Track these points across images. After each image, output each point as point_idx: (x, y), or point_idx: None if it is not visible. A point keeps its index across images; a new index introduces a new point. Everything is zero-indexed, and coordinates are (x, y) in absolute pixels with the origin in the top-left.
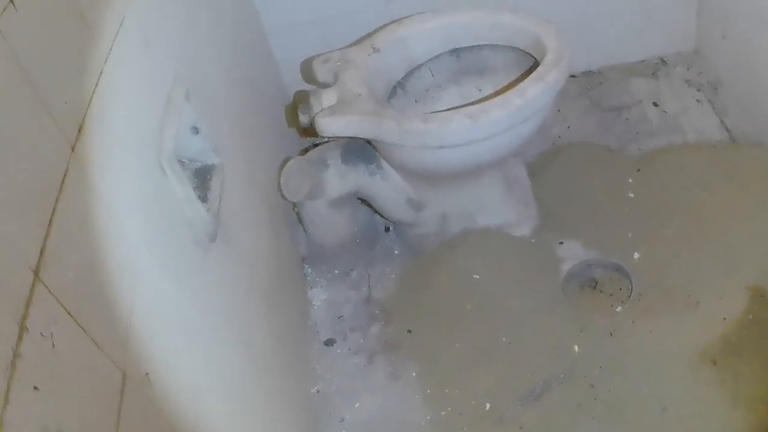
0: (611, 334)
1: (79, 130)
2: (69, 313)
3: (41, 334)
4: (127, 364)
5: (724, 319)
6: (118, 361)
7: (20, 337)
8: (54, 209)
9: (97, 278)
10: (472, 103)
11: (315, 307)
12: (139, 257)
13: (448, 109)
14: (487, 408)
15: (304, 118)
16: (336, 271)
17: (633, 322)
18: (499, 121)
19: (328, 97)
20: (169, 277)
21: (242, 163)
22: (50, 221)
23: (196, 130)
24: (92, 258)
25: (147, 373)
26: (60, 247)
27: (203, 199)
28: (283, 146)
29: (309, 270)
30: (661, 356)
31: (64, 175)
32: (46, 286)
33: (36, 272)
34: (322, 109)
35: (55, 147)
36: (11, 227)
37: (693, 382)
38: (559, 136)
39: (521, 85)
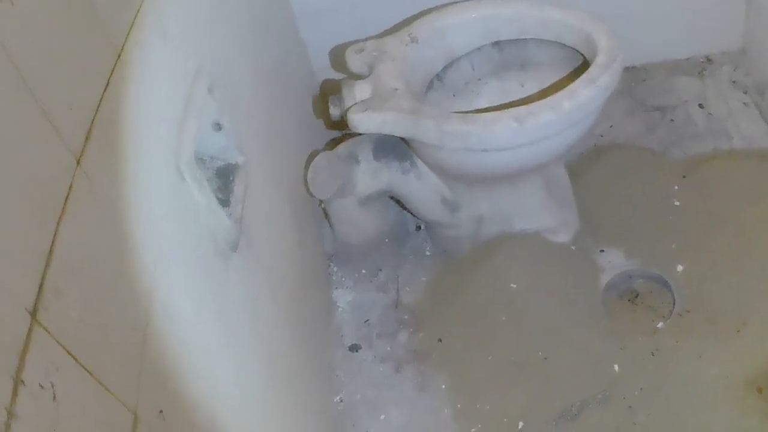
0: (653, 354)
1: (86, 140)
2: (72, 356)
3: (40, 385)
4: (139, 403)
5: None
6: (129, 401)
7: (15, 393)
8: (55, 235)
9: (105, 311)
10: (515, 102)
11: (340, 309)
12: (154, 278)
13: (490, 108)
14: (520, 427)
15: (335, 111)
16: (363, 271)
17: (677, 342)
18: (548, 124)
19: (362, 90)
20: (187, 296)
21: (267, 158)
22: (50, 250)
23: (218, 126)
24: (99, 288)
25: (161, 411)
26: (62, 280)
27: (225, 203)
28: (310, 138)
29: (335, 269)
30: (704, 382)
31: (68, 194)
32: (45, 329)
33: (33, 313)
34: (356, 103)
35: (56, 161)
36: (2, 262)
37: (737, 411)
38: (602, 136)
39: (571, 86)
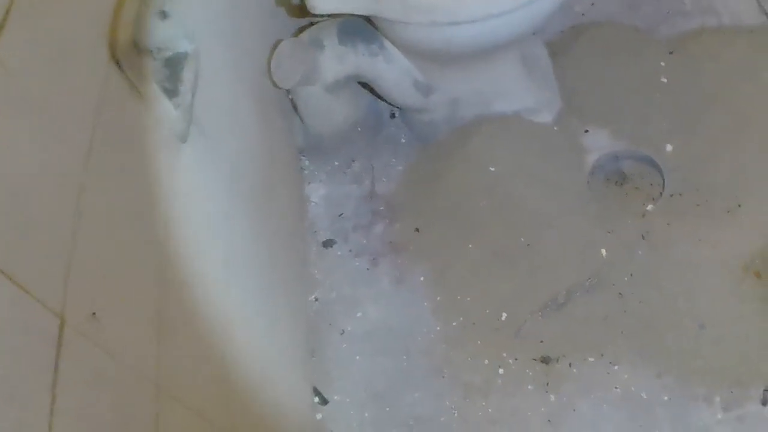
0: (643, 237)
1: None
2: None
3: None
4: (66, 306)
5: None
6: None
7: None
8: None
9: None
10: None
11: (313, 204)
12: (86, 168)
13: None
14: (503, 318)
15: None
16: (336, 163)
17: (668, 224)
18: None
19: None
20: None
21: (224, 48)
22: None
23: (164, 15)
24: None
25: (94, 313)
26: None
27: (173, 93)
28: (274, 28)
29: (307, 162)
30: (698, 266)
31: None
32: None
33: None
34: None
35: None
36: None
37: (735, 297)
38: (583, 14)
39: None
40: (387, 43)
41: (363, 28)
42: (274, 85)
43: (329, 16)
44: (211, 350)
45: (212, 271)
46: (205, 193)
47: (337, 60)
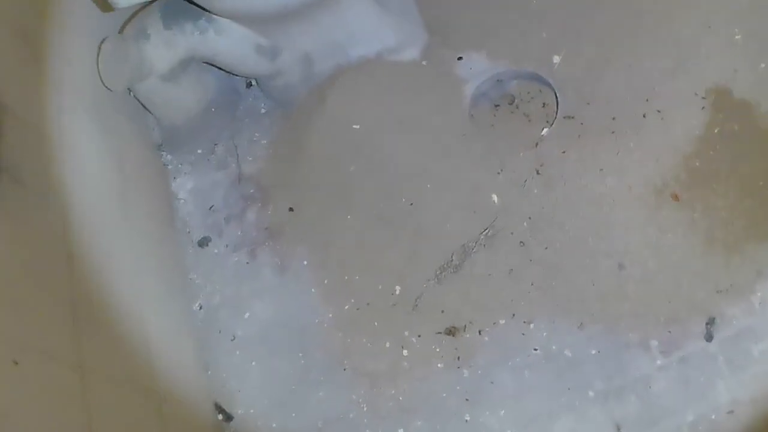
0: (538, 172)
1: None
2: None
3: None
4: None
5: (682, 137)
6: None
7: None
8: None
9: None
10: None
11: (182, 201)
12: None
13: None
14: (398, 292)
15: None
16: (199, 151)
17: (564, 152)
18: None
19: None
20: None
21: None
22: None
23: None
24: None
25: None
26: None
27: None
28: (99, 26)
29: (169, 157)
30: (604, 198)
31: None
32: None
33: None
34: None
35: None
36: None
37: (653, 227)
38: None
39: None
40: (216, 16)
41: (187, 6)
42: (107, 88)
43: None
44: None
45: None
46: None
47: (165, 46)
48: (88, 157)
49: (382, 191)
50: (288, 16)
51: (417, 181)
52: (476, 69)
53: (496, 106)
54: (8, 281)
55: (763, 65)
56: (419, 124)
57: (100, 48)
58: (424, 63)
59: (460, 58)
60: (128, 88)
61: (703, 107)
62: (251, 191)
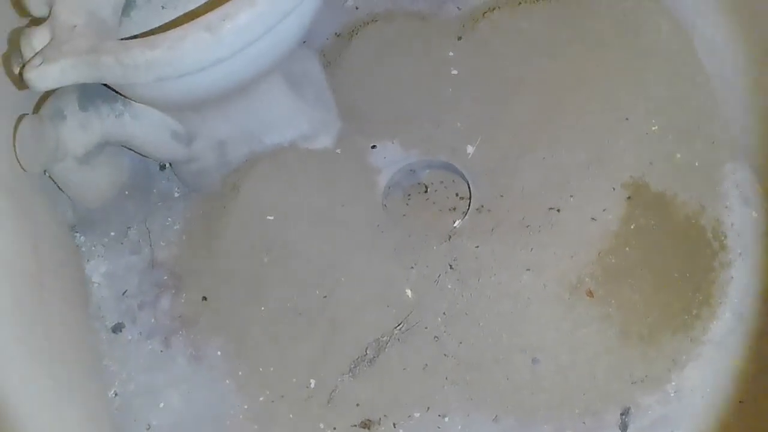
0: (451, 267)
1: None
2: None
3: None
4: None
5: (598, 233)
6: None
7: None
8: None
9: None
10: None
11: (95, 284)
12: None
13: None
14: (312, 385)
15: (16, 69)
16: (112, 233)
17: (477, 246)
18: (249, 25)
19: (41, 37)
20: None
21: None
22: None
23: None
24: None
25: None
26: None
27: None
28: (15, 103)
29: (82, 239)
30: (520, 294)
31: None
32: None
33: None
34: (33, 56)
35: None
36: None
37: (568, 323)
38: (357, 8)
39: None
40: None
41: (104, 90)
42: (23, 169)
43: None
44: None
45: None
46: None
47: (81, 129)
48: (3, 239)
49: (296, 283)
50: (202, 106)
51: (331, 273)
52: (390, 158)
53: (409, 195)
54: None
55: (679, 155)
56: (333, 214)
57: (17, 128)
58: (337, 151)
59: (374, 147)
60: (42, 169)
61: (619, 202)
62: (164, 278)
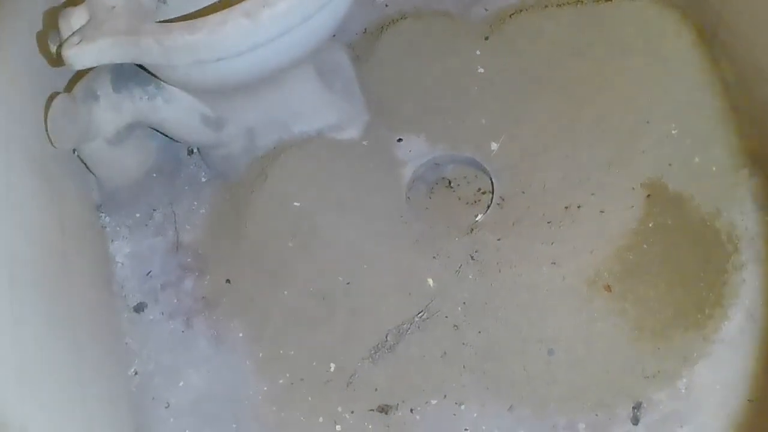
0: (473, 258)
1: None
2: None
3: None
4: None
5: (617, 230)
6: None
7: None
8: None
9: None
10: None
11: (119, 264)
12: None
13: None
14: (332, 369)
15: (54, 48)
16: (137, 215)
17: (498, 239)
18: (289, 13)
19: (79, 17)
20: None
21: None
22: None
23: None
24: None
25: None
26: None
27: None
28: (45, 80)
29: (107, 219)
30: (538, 286)
31: None
32: None
33: None
34: (72, 35)
35: None
36: None
37: (584, 317)
38: (387, 5)
39: None
40: (165, 84)
41: (137, 71)
42: (53, 146)
43: None
44: None
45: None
46: None
47: (114, 110)
48: (30, 216)
49: (319, 268)
50: (236, 91)
51: (354, 261)
52: (416, 151)
53: (432, 189)
54: None
55: (697, 159)
56: (357, 204)
57: (49, 106)
58: (364, 143)
59: (399, 140)
60: (73, 147)
61: (638, 200)
62: (188, 260)
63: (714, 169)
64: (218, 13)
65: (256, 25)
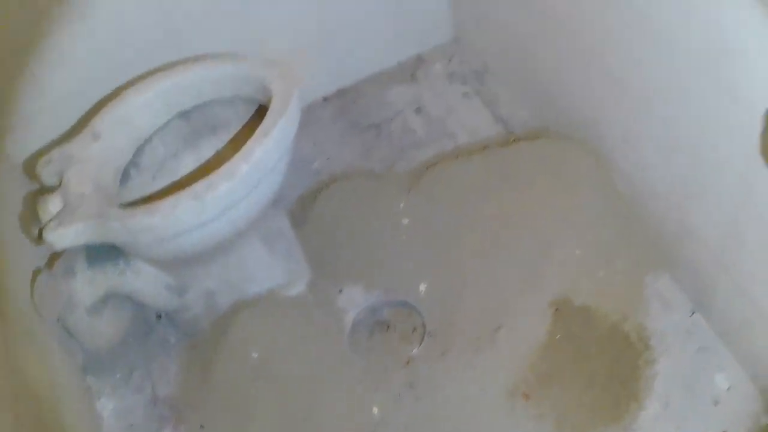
0: (411, 386)
1: None
2: None
3: None
4: None
5: (529, 344)
6: None
7: None
8: None
9: None
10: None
11: (105, 419)
12: None
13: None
14: None
15: (34, 230)
16: (118, 376)
17: (430, 367)
18: (230, 193)
19: (55, 203)
20: None
21: None
22: None
23: None
24: None
25: None
26: None
27: None
28: (33, 257)
29: (92, 380)
30: (466, 403)
31: None
32: None
33: None
34: (50, 220)
35: None
36: None
37: (509, 423)
38: (319, 171)
39: (246, 146)
40: (132, 259)
41: (108, 250)
42: (40, 317)
43: None
44: None
45: None
46: None
47: (89, 284)
48: (26, 380)
49: (280, 409)
50: (193, 260)
51: (308, 399)
52: (354, 300)
53: (373, 330)
54: None
55: (601, 273)
56: (307, 349)
57: (33, 281)
58: (310, 297)
59: (340, 291)
60: (57, 318)
61: (547, 317)
62: (166, 412)
63: (618, 279)
64: (171, 197)
65: (203, 205)
